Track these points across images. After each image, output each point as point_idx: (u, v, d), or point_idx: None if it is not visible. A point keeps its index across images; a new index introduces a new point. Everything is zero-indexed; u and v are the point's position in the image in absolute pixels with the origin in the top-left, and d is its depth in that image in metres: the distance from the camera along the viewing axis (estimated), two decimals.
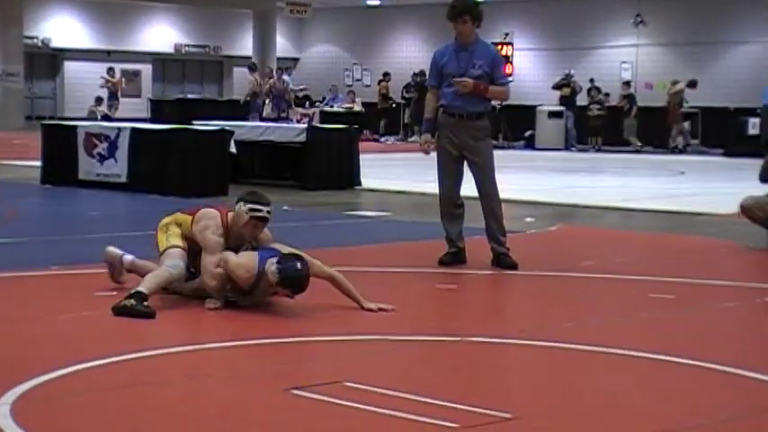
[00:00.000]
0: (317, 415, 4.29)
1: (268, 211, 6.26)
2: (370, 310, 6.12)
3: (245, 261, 6.06)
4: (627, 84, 27.68)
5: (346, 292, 6.23)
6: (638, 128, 26.44)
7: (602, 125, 26.65)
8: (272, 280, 5.92)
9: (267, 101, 27.03)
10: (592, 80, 27.00)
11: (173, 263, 6.22)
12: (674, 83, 26.10)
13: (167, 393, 4.57)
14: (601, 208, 12.68)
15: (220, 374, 4.94)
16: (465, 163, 8.14)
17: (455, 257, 8.01)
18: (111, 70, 29.37)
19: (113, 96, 28.60)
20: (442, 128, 8.08)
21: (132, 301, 5.93)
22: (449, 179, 8.17)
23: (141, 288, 6.02)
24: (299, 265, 5.90)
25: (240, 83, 36.25)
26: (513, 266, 7.86)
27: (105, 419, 4.17)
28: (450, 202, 8.22)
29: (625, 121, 26.47)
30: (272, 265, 5.92)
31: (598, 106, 26.88)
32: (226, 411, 4.32)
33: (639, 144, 25.92)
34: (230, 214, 6.32)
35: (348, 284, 6.26)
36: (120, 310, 5.93)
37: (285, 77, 29.74)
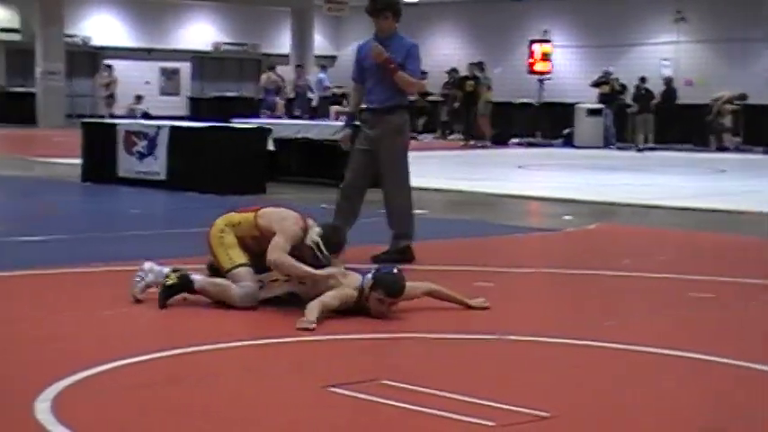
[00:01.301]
0: (354, 412, 4.30)
1: (326, 257, 6.08)
2: (474, 307, 6.18)
3: (349, 281, 6.02)
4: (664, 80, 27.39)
5: (450, 299, 6.23)
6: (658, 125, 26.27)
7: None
8: (366, 284, 5.91)
9: (279, 99, 27.04)
10: (643, 78, 26.71)
11: (244, 284, 6.07)
12: (716, 99, 25.67)
13: (205, 390, 4.59)
14: (640, 206, 12.60)
15: (259, 371, 4.96)
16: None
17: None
18: (108, 68, 29.17)
19: (112, 96, 28.40)
20: (361, 122, 8.18)
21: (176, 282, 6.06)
22: (350, 172, 8.11)
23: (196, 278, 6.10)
24: (395, 269, 6.04)
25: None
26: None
27: (145, 415, 4.20)
28: (343, 194, 8.13)
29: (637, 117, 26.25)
30: (369, 274, 5.98)
31: (635, 104, 26.69)
32: (264, 408, 4.33)
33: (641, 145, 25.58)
34: (309, 221, 6.22)
35: (447, 291, 6.25)
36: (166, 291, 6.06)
37: (321, 75, 29.82)
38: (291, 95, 28.00)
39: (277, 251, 6.00)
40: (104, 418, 4.16)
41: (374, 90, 7.98)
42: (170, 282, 6.15)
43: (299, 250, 6.09)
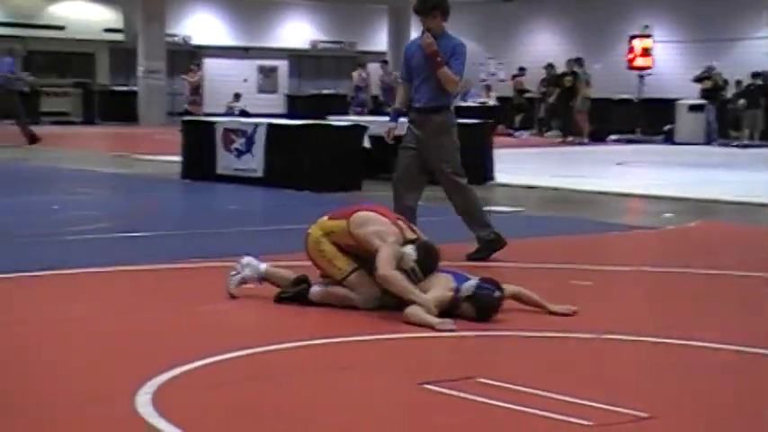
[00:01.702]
0: (450, 410, 4.28)
1: (420, 279, 5.99)
2: (556, 313, 6.01)
3: (443, 282, 5.98)
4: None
5: (533, 303, 6.12)
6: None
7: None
8: (464, 291, 5.85)
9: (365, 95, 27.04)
10: (756, 74, 26.12)
11: (362, 291, 6.02)
12: None
13: (302, 385, 4.61)
14: (742, 204, 12.32)
15: (355, 368, 4.97)
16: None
17: None
18: (195, 66, 29.28)
19: (195, 92, 28.52)
20: (410, 121, 8.18)
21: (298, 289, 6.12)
22: (398, 169, 8.14)
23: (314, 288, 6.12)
24: (496, 293, 5.87)
25: (376, 78, 36.54)
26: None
27: (243, 410, 4.24)
28: (393, 190, 8.12)
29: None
30: (472, 283, 5.91)
31: (743, 100, 26.15)
32: (358, 404, 4.34)
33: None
34: (404, 227, 6.15)
35: (532, 295, 6.15)
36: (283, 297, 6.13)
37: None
38: (376, 92, 27.93)
39: (387, 266, 5.89)
40: (203, 412, 4.21)
41: (420, 89, 7.99)
42: (284, 295, 6.18)
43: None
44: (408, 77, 8.13)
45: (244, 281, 6.34)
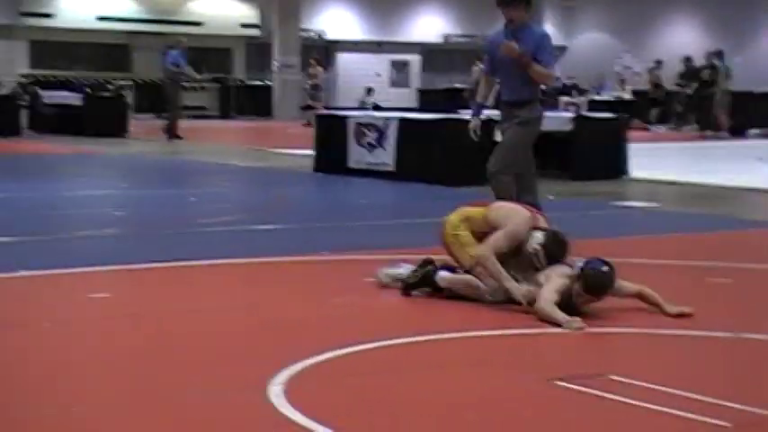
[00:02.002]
0: (582, 407, 4.22)
1: (542, 266, 5.92)
2: (672, 314, 5.80)
3: (564, 270, 5.89)
4: None
5: (654, 302, 5.92)
6: None
7: None
8: (574, 274, 5.76)
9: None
10: None
11: (490, 281, 5.97)
12: None
13: (432, 380, 4.61)
14: None
15: (486, 363, 4.94)
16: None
17: None
18: (315, 61, 29.31)
19: (317, 87, 28.61)
20: (501, 116, 8.06)
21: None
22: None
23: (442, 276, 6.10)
24: (604, 267, 5.73)
25: None
26: None
27: (373, 402, 4.26)
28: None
29: None
30: (578, 263, 5.82)
31: None
32: (489, 400, 4.31)
33: None
34: (539, 218, 6.11)
35: (655, 295, 5.95)
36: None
37: None
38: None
39: (488, 247, 5.90)
40: (335, 402, 4.24)
41: (505, 84, 7.88)
42: (412, 280, 6.20)
43: (520, 253, 5.98)
44: (492, 71, 8.01)
45: (397, 280, 6.31)
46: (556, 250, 5.93)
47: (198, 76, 24.04)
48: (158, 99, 21.84)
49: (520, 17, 7.79)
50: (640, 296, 5.97)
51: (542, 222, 6.13)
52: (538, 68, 7.73)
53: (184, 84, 22.75)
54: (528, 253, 5.93)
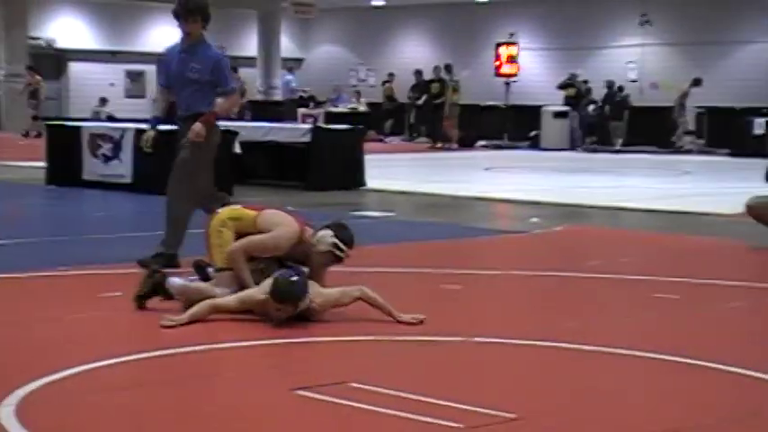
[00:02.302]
0: (323, 415, 4.29)
1: (347, 253, 6.11)
2: (404, 322, 5.88)
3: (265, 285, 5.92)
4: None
5: (381, 308, 5.97)
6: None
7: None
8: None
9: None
10: (617, 86, 27.06)
11: (225, 290, 6.00)
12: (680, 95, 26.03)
13: (175, 393, 4.56)
14: (606, 208, 12.66)
15: (228, 374, 4.95)
16: None
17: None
18: (30, 69, 28.54)
19: (34, 96, 27.89)
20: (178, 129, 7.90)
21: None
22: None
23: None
24: (294, 276, 5.75)
25: (245, 83, 36.26)
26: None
27: (110, 419, 4.17)
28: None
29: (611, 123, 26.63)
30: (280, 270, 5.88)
31: (593, 106, 26.93)
32: (232, 411, 4.31)
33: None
34: (308, 230, 6.16)
35: (378, 298, 5.99)
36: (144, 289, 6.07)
37: (289, 77, 29.77)
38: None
39: (241, 245, 6.01)
40: (68, 422, 4.13)
41: (180, 97, 7.69)
42: (142, 291, 6.10)
43: (308, 258, 6.09)
44: (167, 83, 7.78)
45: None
46: (346, 232, 6.12)
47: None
48: None
49: (197, 31, 7.58)
50: (363, 298, 5.99)
51: (309, 235, 6.19)
52: (221, 107, 7.62)
53: None
54: (324, 253, 6.06)
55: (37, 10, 32.30)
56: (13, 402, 4.25)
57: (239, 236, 6.14)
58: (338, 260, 6.16)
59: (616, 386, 4.88)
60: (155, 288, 6.10)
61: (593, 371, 5.18)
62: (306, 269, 6.10)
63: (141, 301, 6.11)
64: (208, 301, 5.86)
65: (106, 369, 4.87)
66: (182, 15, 7.56)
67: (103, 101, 30.20)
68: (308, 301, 5.76)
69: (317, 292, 5.89)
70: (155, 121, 8.00)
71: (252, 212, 6.24)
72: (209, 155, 7.82)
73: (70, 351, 5.20)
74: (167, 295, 6.10)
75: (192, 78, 7.57)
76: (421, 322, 5.91)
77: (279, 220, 6.18)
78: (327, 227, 6.19)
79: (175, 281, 6.14)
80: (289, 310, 5.72)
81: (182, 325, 5.68)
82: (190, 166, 7.70)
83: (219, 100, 7.64)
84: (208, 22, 7.64)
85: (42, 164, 14.57)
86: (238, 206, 6.39)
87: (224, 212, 6.28)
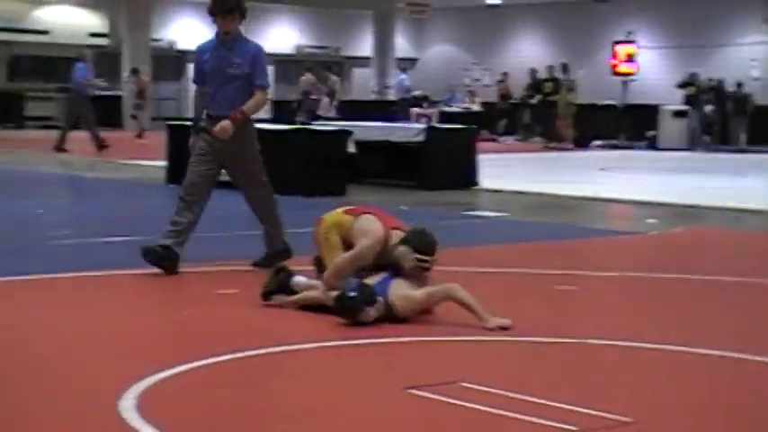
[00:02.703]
0: (434, 415, 4.29)
1: (432, 260, 6.07)
2: (489, 329, 5.73)
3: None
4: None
5: (467, 306, 5.87)
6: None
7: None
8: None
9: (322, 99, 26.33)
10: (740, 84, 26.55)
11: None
12: None
13: (286, 390, 4.62)
14: (725, 209, 12.38)
15: (338, 372, 4.98)
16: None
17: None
18: (135, 71, 28.81)
19: (140, 96, 28.15)
20: (203, 129, 7.56)
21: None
22: (191, 176, 7.69)
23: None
24: (352, 293, 5.77)
25: (360, 83, 36.54)
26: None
27: (225, 414, 4.24)
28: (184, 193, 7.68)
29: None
30: (353, 283, 5.95)
31: (710, 106, 26.34)
32: (342, 409, 4.35)
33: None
34: (393, 237, 6.14)
35: (468, 299, 5.88)
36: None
37: (402, 77, 29.83)
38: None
39: (331, 272, 6.10)
40: (186, 416, 4.21)
41: (216, 97, 7.39)
42: (269, 288, 6.23)
43: (398, 262, 6.09)
44: (202, 82, 7.50)
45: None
46: (418, 242, 6.04)
47: (104, 85, 23.82)
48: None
49: (235, 29, 7.38)
50: (452, 298, 5.91)
51: (393, 244, 6.16)
52: (250, 107, 7.36)
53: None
54: (410, 267, 6.04)
55: (159, 12, 33.06)
56: (133, 396, 4.36)
57: (344, 239, 6.21)
58: (426, 270, 6.08)
59: (734, 393, 4.77)
60: (279, 285, 6.23)
61: (710, 376, 5.07)
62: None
63: (268, 297, 6.25)
64: (311, 293, 6.07)
65: (220, 365, 4.95)
66: (220, 12, 7.33)
67: None
68: (373, 312, 5.79)
69: (401, 295, 5.90)
70: (197, 125, 7.64)
71: (350, 218, 6.28)
72: (258, 154, 7.65)
73: (185, 346, 5.30)
74: (292, 292, 6.22)
75: (233, 74, 7.34)
76: (507, 328, 5.74)
77: (366, 229, 6.16)
78: (405, 240, 6.08)
79: (300, 279, 6.26)
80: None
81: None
82: (260, 174, 7.70)
83: (249, 101, 7.35)
84: (245, 17, 7.44)
85: (162, 163, 14.89)
86: (340, 212, 6.40)
87: (328, 218, 6.35)
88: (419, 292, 5.94)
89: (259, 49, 7.52)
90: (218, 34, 7.45)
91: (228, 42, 7.39)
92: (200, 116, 7.55)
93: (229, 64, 7.36)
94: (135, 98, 27.81)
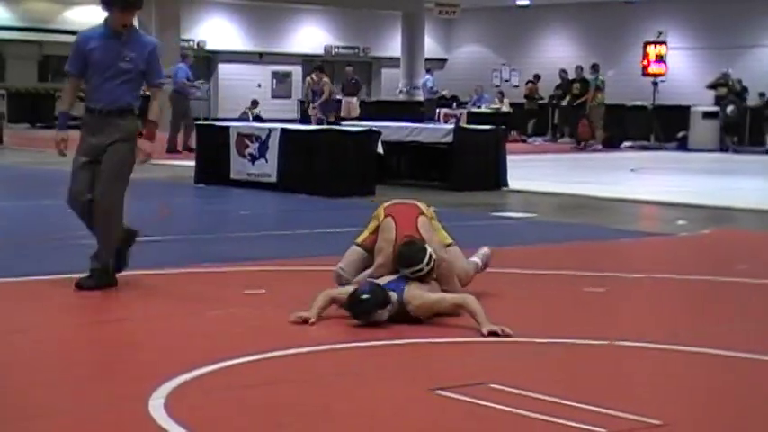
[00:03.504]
0: (462, 416, 4.28)
1: (417, 271, 6.02)
2: (485, 333, 5.63)
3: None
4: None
5: (475, 318, 5.78)
6: None
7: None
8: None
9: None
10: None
11: (342, 263, 6.36)
12: None
13: (313, 390, 4.61)
14: (756, 211, 12.28)
15: (366, 373, 4.97)
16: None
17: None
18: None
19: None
20: (83, 125, 6.95)
21: None
22: (75, 184, 6.88)
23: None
24: (365, 294, 5.76)
25: (388, 84, 36.53)
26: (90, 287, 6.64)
27: (253, 414, 4.24)
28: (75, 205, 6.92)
29: None
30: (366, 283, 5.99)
31: (732, 107, 26.11)
32: (370, 410, 4.34)
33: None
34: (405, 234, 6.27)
35: (479, 312, 5.77)
36: None
37: (428, 77, 29.74)
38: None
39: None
40: (215, 416, 4.21)
41: (100, 88, 6.82)
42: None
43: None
44: (80, 72, 6.86)
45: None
46: (402, 259, 6.07)
47: (205, 87, 23.92)
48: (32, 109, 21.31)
49: (131, 22, 6.91)
50: (464, 308, 5.85)
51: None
52: (157, 114, 6.93)
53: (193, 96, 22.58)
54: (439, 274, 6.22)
55: (188, 13, 33.19)
56: (162, 396, 4.37)
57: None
58: (427, 276, 6.08)
59: (764, 393, 4.72)
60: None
61: (740, 378, 5.02)
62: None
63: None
64: (325, 292, 5.99)
65: (246, 365, 4.96)
66: (117, 6, 6.79)
67: (255, 103, 30.77)
68: (386, 313, 5.78)
69: (415, 295, 5.89)
70: (63, 119, 7.02)
71: (381, 214, 6.44)
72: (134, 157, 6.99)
73: (213, 347, 5.31)
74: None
75: (124, 68, 6.80)
76: (507, 336, 5.61)
77: (381, 242, 6.28)
78: (397, 257, 6.09)
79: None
80: (362, 321, 5.81)
81: (309, 322, 5.77)
82: (127, 168, 6.97)
83: (153, 106, 6.95)
84: (140, 8, 6.98)
85: (191, 163, 14.94)
86: (389, 203, 6.57)
87: (381, 207, 6.49)
88: (433, 296, 5.96)
89: (155, 45, 7.05)
90: (107, 24, 6.88)
91: (124, 35, 6.85)
92: (67, 110, 6.99)
93: (122, 58, 6.81)
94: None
